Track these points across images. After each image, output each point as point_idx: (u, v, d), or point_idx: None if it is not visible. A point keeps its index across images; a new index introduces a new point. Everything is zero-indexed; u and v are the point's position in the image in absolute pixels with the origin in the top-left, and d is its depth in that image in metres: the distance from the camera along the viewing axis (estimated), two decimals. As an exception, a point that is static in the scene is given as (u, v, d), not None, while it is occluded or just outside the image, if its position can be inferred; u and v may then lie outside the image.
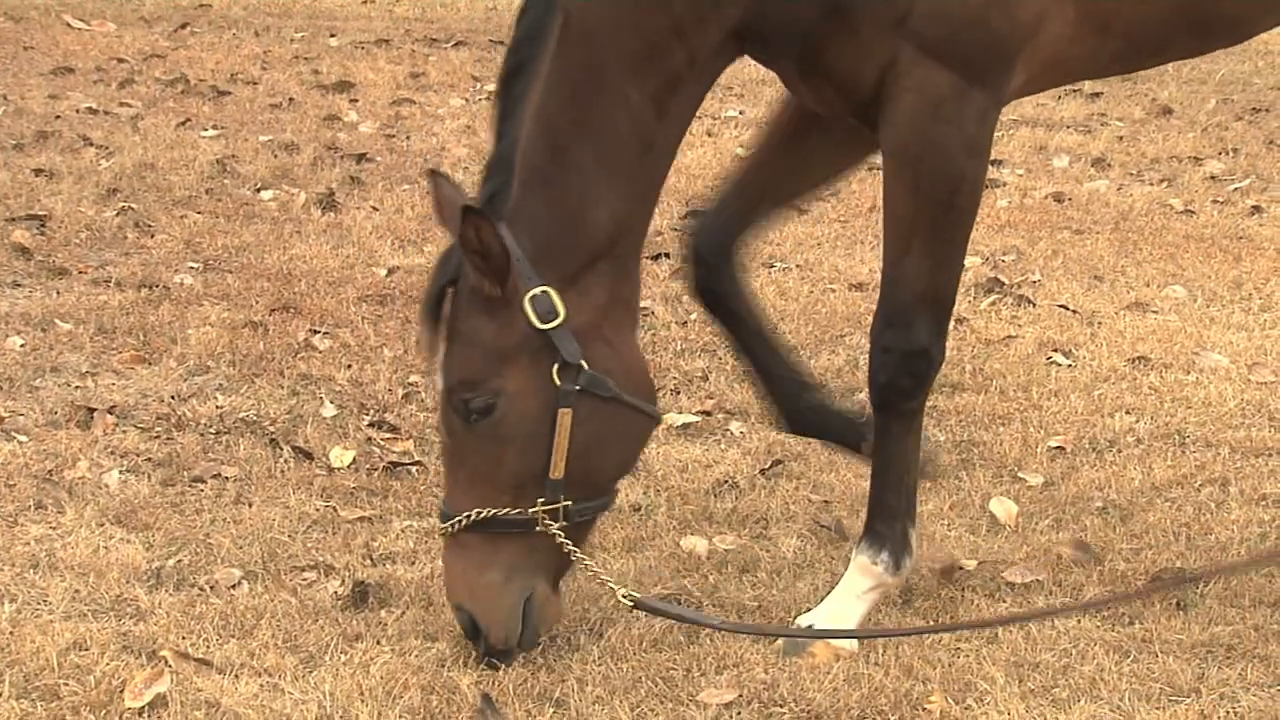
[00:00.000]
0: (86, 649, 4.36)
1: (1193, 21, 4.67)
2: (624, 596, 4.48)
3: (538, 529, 4.35)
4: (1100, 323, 6.97)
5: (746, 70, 8.52)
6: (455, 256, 4.34)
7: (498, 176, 4.38)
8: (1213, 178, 9.00)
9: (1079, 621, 4.69)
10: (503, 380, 4.32)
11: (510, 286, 4.26)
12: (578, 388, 4.33)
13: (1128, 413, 6.14)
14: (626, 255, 4.45)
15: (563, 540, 4.36)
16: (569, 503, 4.37)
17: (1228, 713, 4.28)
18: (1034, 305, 7.13)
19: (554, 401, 4.32)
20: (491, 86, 9.94)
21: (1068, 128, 9.53)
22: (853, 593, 4.59)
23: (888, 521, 4.62)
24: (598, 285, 4.40)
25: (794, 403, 4.94)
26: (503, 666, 4.35)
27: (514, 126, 4.36)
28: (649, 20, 4.31)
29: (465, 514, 4.33)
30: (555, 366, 4.32)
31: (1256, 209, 8.52)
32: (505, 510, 4.34)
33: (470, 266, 4.26)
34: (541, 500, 4.34)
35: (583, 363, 4.33)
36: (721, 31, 4.37)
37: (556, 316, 4.31)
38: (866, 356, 4.74)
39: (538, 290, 4.29)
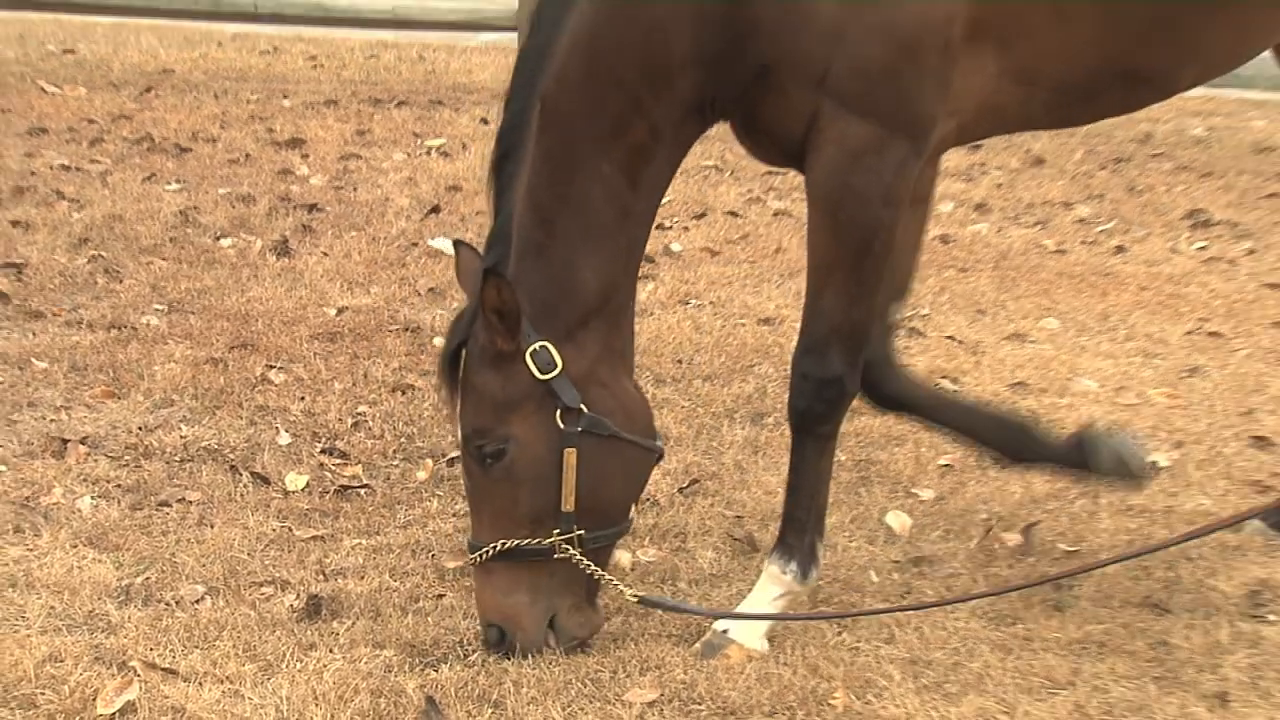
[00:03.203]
0: (61, 661, 4.33)
1: (1117, 74, 4.66)
2: (631, 596, 4.57)
3: (556, 556, 4.39)
4: (983, 352, 7.00)
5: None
6: (465, 321, 4.42)
7: (498, 247, 4.44)
8: (1081, 221, 9.06)
9: (967, 623, 4.70)
10: (511, 427, 4.38)
11: (516, 342, 4.33)
12: (579, 429, 4.38)
13: (1009, 433, 6.15)
14: (617, 310, 4.51)
15: (580, 561, 4.41)
16: (582, 532, 4.41)
17: (1100, 703, 4.30)
18: (924, 336, 7.15)
19: (559, 443, 4.37)
20: (432, 142, 10.02)
21: (952, 176, 9.58)
22: (765, 599, 4.58)
23: (797, 535, 4.61)
24: (592, 338, 4.44)
25: (1011, 443, 4.96)
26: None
27: (508, 204, 4.44)
28: (611, 101, 4.36)
29: (491, 545, 4.39)
30: (558, 412, 4.36)
31: (1120, 248, 8.58)
32: (526, 541, 4.39)
33: (488, 323, 4.32)
34: (557, 531, 4.38)
35: (582, 406, 4.38)
36: (677, 105, 4.41)
37: (555, 367, 4.37)
38: (774, 384, 4.77)
39: (537, 345, 4.36)
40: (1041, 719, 4.22)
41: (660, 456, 4.66)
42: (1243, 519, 5.13)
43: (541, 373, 4.36)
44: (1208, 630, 4.69)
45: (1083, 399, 6.51)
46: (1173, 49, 4.68)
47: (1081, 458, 4.90)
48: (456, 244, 4.67)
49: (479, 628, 4.52)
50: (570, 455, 4.38)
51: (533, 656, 4.42)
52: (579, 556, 4.41)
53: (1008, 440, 4.94)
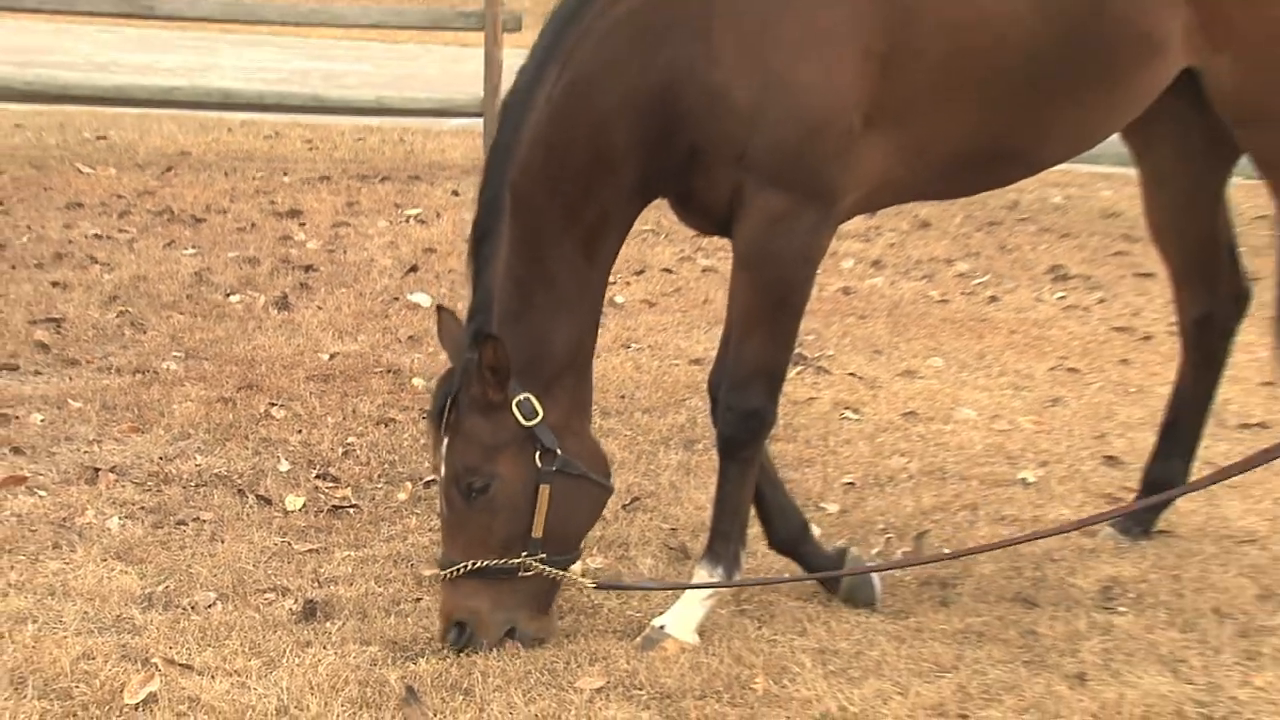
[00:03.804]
0: (93, 658, 4.29)
1: (989, 154, 4.68)
2: (592, 585, 4.59)
3: (520, 574, 4.40)
4: (880, 386, 7.02)
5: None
6: (453, 378, 4.43)
7: (479, 316, 4.44)
8: (961, 275, 9.10)
9: (867, 618, 4.70)
10: (497, 466, 4.39)
11: (504, 394, 4.34)
12: (555, 469, 4.39)
13: (901, 455, 6.17)
14: (582, 366, 4.53)
15: (545, 572, 4.42)
16: (544, 555, 4.41)
17: (979, 684, 4.30)
18: (830, 374, 7.16)
19: (536, 480, 4.38)
20: (410, 211, 10.00)
21: (852, 238, 9.62)
22: (696, 599, 4.57)
23: (724, 544, 4.60)
24: (564, 390, 4.46)
25: (780, 527, 4.87)
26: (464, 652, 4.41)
27: (486, 279, 4.43)
28: (568, 189, 4.38)
29: (463, 563, 4.38)
30: (537, 453, 4.37)
31: (994, 298, 8.62)
32: (495, 561, 4.39)
33: (482, 377, 4.34)
34: (525, 554, 4.39)
35: (558, 449, 4.38)
36: (623, 188, 4.43)
37: (537, 416, 4.38)
38: (703, 415, 4.78)
39: (522, 397, 4.36)
40: (930, 698, 4.21)
41: (612, 492, 4.66)
42: (1093, 522, 5.13)
43: (525, 420, 4.38)
44: (1068, 620, 4.70)
45: (963, 425, 6.53)
46: (1037, 134, 4.71)
47: (831, 568, 4.83)
48: (439, 309, 4.66)
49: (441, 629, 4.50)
50: (545, 490, 4.39)
51: (497, 652, 4.40)
52: (544, 568, 4.40)
53: (786, 528, 4.87)
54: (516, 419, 4.37)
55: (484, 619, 4.42)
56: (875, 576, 4.83)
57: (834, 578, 4.84)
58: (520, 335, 4.39)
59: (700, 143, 4.37)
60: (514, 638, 4.46)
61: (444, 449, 4.45)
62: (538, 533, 4.40)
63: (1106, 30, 4.56)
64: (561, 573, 4.47)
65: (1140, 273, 8.90)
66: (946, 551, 5.13)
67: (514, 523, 4.40)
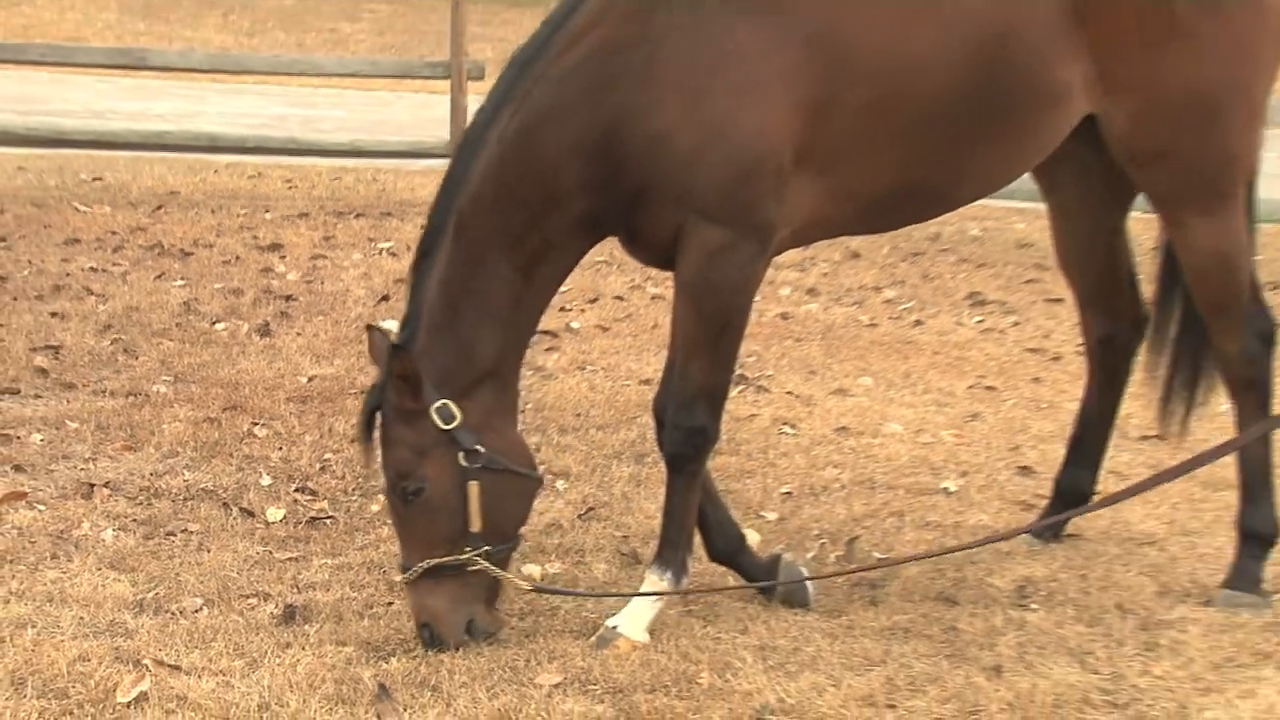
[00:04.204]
0: (88, 660, 4.27)
1: (911, 193, 4.70)
2: (530, 588, 4.59)
3: (470, 569, 4.37)
4: (815, 403, 7.03)
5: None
6: (376, 391, 4.41)
7: (410, 326, 4.43)
8: (888, 301, 9.13)
9: (804, 616, 4.71)
10: (425, 469, 4.36)
11: (423, 401, 4.30)
12: (479, 466, 4.36)
13: (835, 467, 6.18)
14: (507, 373, 4.50)
15: (489, 569, 4.40)
16: (488, 548, 4.38)
17: (905, 676, 4.31)
18: (769, 392, 7.17)
19: (463, 478, 4.36)
20: (383, 244, 9.97)
21: (789, 268, 9.64)
22: (646, 601, 4.56)
23: (672, 550, 4.59)
24: (486, 395, 4.43)
25: (718, 540, 4.85)
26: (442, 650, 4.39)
27: (421, 293, 4.43)
28: (514, 219, 4.38)
29: (418, 565, 4.36)
30: (461, 454, 4.34)
31: (918, 322, 8.65)
32: (444, 559, 4.36)
33: (395, 387, 4.32)
34: (469, 549, 4.36)
35: (479, 448, 4.35)
36: (568, 222, 4.44)
37: (455, 419, 4.35)
38: (653, 431, 4.77)
39: (440, 402, 4.33)
40: (860, 689, 4.22)
41: (540, 483, 4.64)
42: (1016, 533, 5.17)
43: (444, 424, 4.35)
44: (986, 617, 4.72)
45: (891, 439, 6.54)
46: (954, 175, 4.74)
47: (766, 578, 4.83)
48: (369, 328, 4.66)
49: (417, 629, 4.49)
50: (473, 487, 4.37)
51: (463, 651, 4.39)
52: (486, 564, 4.38)
53: (724, 541, 4.86)
54: (436, 423, 4.35)
55: (444, 617, 4.40)
56: (808, 583, 4.84)
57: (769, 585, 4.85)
58: (445, 344, 4.38)
59: (644, 183, 4.38)
60: (472, 632, 4.43)
61: (380, 458, 4.44)
62: (475, 527, 4.38)
63: (1015, 81, 4.59)
64: (502, 573, 4.45)
65: (1050, 298, 8.94)
66: (936, 549, 5.13)
67: (452, 520, 4.38)
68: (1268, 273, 5.27)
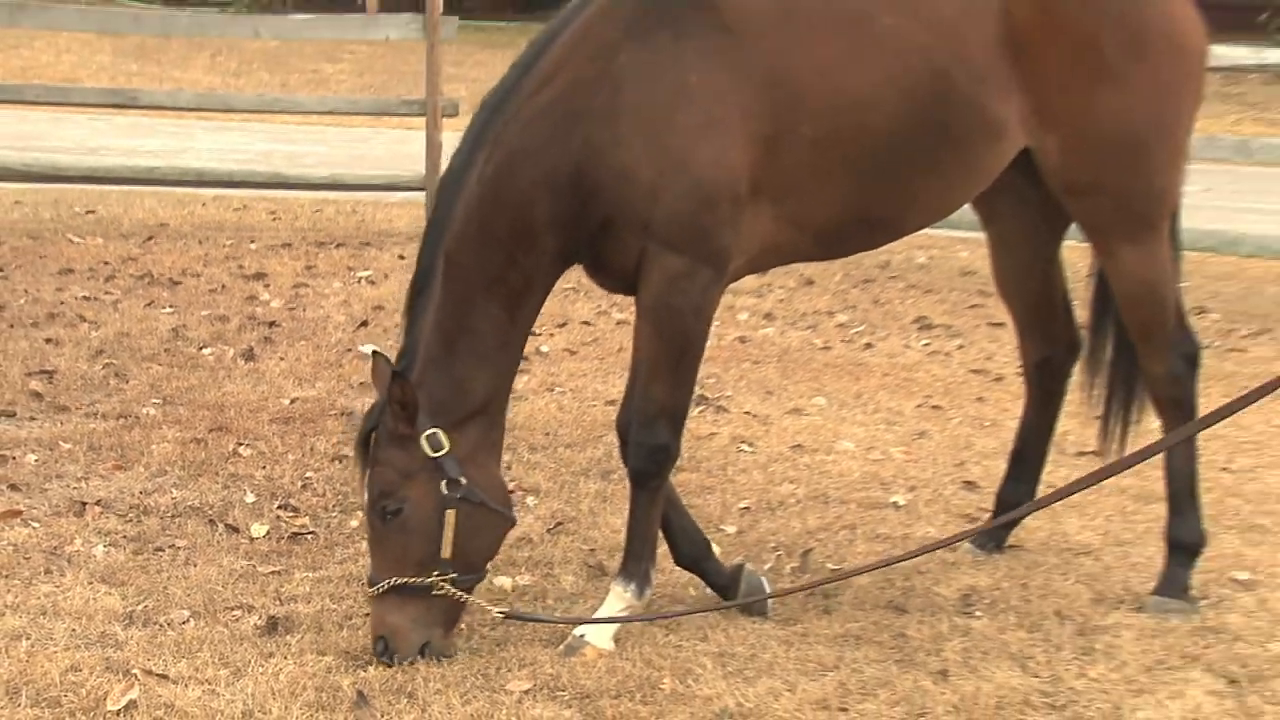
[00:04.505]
0: (80, 670, 4.25)
1: (860, 221, 4.73)
2: (498, 613, 4.53)
3: (434, 593, 4.35)
4: (771, 422, 7.03)
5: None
6: (376, 411, 4.40)
7: (407, 358, 4.44)
8: (840, 325, 9.14)
9: (761, 624, 4.71)
10: (408, 491, 4.35)
11: (416, 428, 4.31)
12: (459, 496, 4.36)
13: (790, 482, 6.18)
14: (495, 411, 4.50)
15: (453, 593, 4.37)
16: (454, 575, 4.37)
17: (857, 681, 4.32)
18: (728, 412, 7.18)
19: (442, 505, 4.35)
20: (362, 273, 9.94)
21: (746, 293, 9.64)
22: (611, 611, 4.56)
23: (636, 562, 4.60)
24: (474, 430, 4.43)
25: (684, 546, 4.84)
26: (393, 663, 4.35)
27: (417, 329, 4.45)
28: (496, 257, 4.40)
29: (385, 581, 4.34)
30: (444, 482, 4.33)
31: (869, 345, 8.67)
32: (411, 579, 4.34)
33: (392, 412, 4.31)
34: (437, 572, 4.34)
35: (462, 479, 4.35)
36: (544, 256, 4.46)
37: (443, 448, 4.35)
38: (618, 449, 4.78)
39: (431, 430, 4.34)
40: (815, 694, 4.23)
41: (513, 523, 4.62)
42: (958, 539, 5.17)
43: (433, 451, 4.35)
44: (933, 624, 4.73)
45: (843, 455, 6.55)
46: (900, 205, 4.77)
47: (728, 585, 4.83)
48: (374, 353, 4.66)
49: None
50: (450, 515, 4.36)
51: (438, 659, 4.37)
52: (451, 589, 4.37)
53: (689, 547, 4.86)
54: (425, 450, 4.35)
55: (403, 634, 4.37)
56: (766, 588, 4.84)
57: (730, 592, 4.84)
58: (440, 377, 4.39)
59: (609, 214, 4.40)
60: (424, 653, 4.38)
61: (365, 476, 4.43)
62: (446, 553, 4.37)
63: (956, 116, 4.62)
64: (467, 595, 4.42)
65: (993, 322, 8.97)
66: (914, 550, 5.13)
67: (425, 543, 4.37)
68: (1191, 298, 5.30)
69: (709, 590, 4.91)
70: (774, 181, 4.48)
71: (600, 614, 4.56)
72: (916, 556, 4.93)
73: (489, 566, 4.60)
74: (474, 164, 4.43)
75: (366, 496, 4.44)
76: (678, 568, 4.93)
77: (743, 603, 4.76)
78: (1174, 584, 4.96)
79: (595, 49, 4.42)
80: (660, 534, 4.74)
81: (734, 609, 4.79)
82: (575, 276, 6.87)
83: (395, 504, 4.37)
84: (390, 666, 4.32)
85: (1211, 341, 8.22)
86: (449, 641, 4.48)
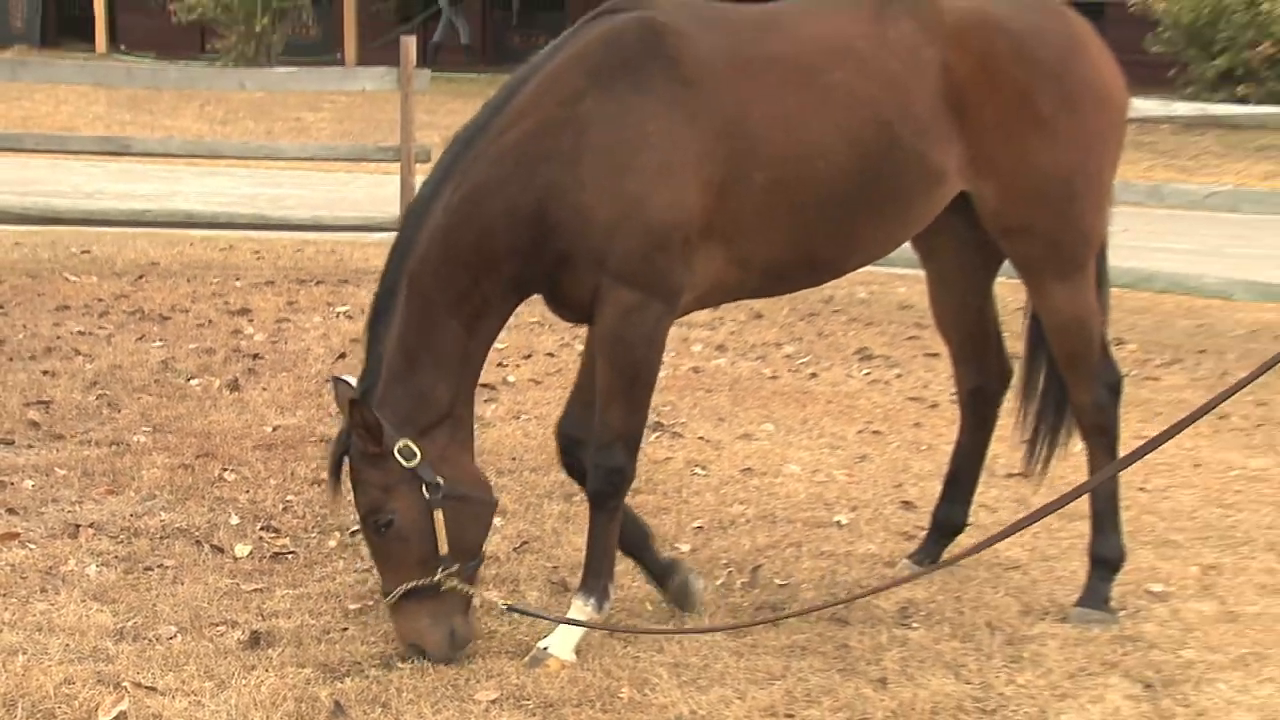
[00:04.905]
0: (73, 683, 4.21)
1: (805, 262, 4.74)
2: (506, 607, 4.56)
3: (443, 588, 4.35)
4: (723, 447, 7.03)
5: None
6: (342, 437, 4.40)
7: (369, 378, 4.43)
8: (788, 356, 9.15)
9: (713, 636, 4.70)
10: (393, 503, 4.34)
11: (384, 444, 4.28)
12: (441, 495, 4.35)
13: (741, 503, 6.17)
14: (460, 414, 4.49)
15: (462, 587, 4.39)
16: (457, 566, 4.37)
17: (803, 689, 4.32)
18: (682, 437, 7.17)
19: (429, 508, 4.34)
20: (340, 309, 9.90)
21: (700, 326, 9.65)
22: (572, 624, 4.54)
23: (595, 579, 4.59)
24: (442, 433, 4.42)
25: (626, 534, 4.80)
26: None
27: (378, 348, 4.43)
28: (458, 279, 4.39)
29: (398, 589, 4.34)
30: (424, 486, 4.32)
31: (814, 374, 8.68)
32: (420, 581, 4.34)
33: (357, 435, 4.30)
34: (441, 569, 4.34)
35: (440, 480, 4.34)
36: (503, 282, 4.45)
37: (416, 457, 4.33)
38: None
39: (402, 443, 4.32)
40: (763, 701, 4.22)
41: (496, 504, 4.63)
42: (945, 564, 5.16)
43: (406, 462, 4.34)
44: (873, 635, 4.73)
45: (790, 478, 6.55)
46: (843, 245, 4.79)
47: (664, 576, 4.86)
48: (334, 379, 4.66)
49: (390, 650, 4.45)
50: (439, 515, 4.35)
51: (410, 670, 4.35)
52: (457, 582, 4.38)
53: (632, 534, 4.85)
54: (399, 462, 4.34)
55: (429, 634, 4.39)
56: (698, 584, 4.87)
57: (662, 583, 4.85)
58: (404, 391, 4.38)
59: (567, 249, 4.41)
60: (454, 642, 4.40)
61: (338, 498, 4.44)
62: (444, 550, 4.37)
63: (898, 164, 4.64)
64: (471, 589, 4.44)
65: (928, 353, 9.00)
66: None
67: (422, 546, 4.37)
68: (1111, 330, 5.33)
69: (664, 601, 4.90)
70: (725, 224, 4.49)
71: (561, 631, 4.54)
72: (879, 591, 4.92)
73: (484, 550, 4.60)
74: (441, 194, 4.44)
75: (359, 516, 4.44)
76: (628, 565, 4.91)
77: (737, 626, 4.72)
78: (1095, 596, 4.98)
79: (563, 95, 4.43)
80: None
81: (668, 604, 4.81)
82: (540, 311, 6.88)
83: (386, 517, 4.36)
84: (441, 664, 4.34)
85: (1129, 370, 8.26)
86: (470, 625, 4.48)
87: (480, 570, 4.64)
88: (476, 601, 4.53)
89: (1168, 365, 8.97)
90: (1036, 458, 5.36)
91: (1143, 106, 9.79)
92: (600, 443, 4.54)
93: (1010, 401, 5.42)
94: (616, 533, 4.66)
